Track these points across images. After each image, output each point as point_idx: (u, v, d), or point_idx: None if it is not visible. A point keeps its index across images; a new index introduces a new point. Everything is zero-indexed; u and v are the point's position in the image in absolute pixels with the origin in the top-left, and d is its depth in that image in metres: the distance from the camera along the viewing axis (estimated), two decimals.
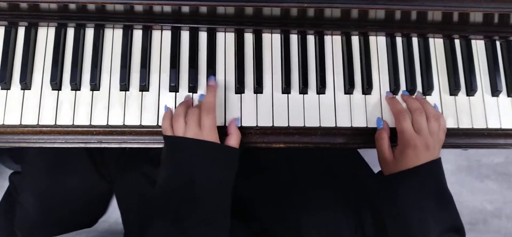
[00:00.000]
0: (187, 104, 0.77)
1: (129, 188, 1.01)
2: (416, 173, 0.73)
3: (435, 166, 0.74)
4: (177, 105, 0.79)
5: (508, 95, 0.85)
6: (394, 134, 0.79)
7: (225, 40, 0.83)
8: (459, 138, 0.83)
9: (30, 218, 1.04)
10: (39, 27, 0.80)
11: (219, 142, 0.75)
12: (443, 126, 0.78)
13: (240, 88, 0.80)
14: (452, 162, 1.54)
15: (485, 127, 0.83)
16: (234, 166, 0.74)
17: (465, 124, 0.83)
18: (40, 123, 0.77)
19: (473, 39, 0.86)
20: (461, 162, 1.55)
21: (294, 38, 0.84)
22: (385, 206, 0.76)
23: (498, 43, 0.87)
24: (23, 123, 0.76)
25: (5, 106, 0.77)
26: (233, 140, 0.75)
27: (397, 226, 0.73)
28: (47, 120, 0.77)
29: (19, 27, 0.80)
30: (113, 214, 1.32)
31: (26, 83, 0.77)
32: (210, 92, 0.77)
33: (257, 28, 0.82)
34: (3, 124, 0.76)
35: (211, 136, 0.73)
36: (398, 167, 0.75)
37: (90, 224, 1.26)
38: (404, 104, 0.81)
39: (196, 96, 0.80)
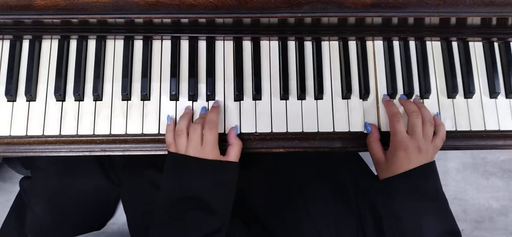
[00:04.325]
0: (188, 118, 0.79)
1: (134, 193, 1.03)
2: (409, 177, 0.74)
3: (428, 169, 0.75)
4: (178, 118, 0.80)
5: (507, 97, 0.85)
6: (388, 137, 0.80)
7: (224, 48, 0.84)
8: (458, 140, 0.84)
9: (40, 221, 1.07)
10: (42, 40, 0.82)
11: (219, 157, 0.77)
12: (442, 134, 0.79)
13: (239, 95, 0.82)
14: (457, 160, 1.54)
15: (483, 129, 0.84)
16: (234, 180, 0.77)
17: (463, 126, 0.83)
18: (45, 134, 0.79)
19: (471, 41, 0.87)
20: (466, 160, 1.54)
21: (291, 45, 0.85)
22: (381, 209, 0.77)
23: (496, 44, 0.87)
24: (29, 134, 0.79)
25: (12, 117, 0.79)
26: (234, 152, 0.77)
27: (393, 229, 0.75)
28: (52, 130, 0.79)
29: (23, 41, 0.82)
30: (122, 216, 1.35)
31: (31, 95, 0.79)
32: (214, 111, 0.79)
33: (255, 36, 0.84)
34: (10, 134, 0.79)
35: (212, 153, 0.75)
36: (391, 169, 0.76)
37: (99, 226, 1.29)
38: (401, 108, 0.82)
39: (196, 106, 0.82)
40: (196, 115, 0.81)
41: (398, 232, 0.73)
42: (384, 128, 0.83)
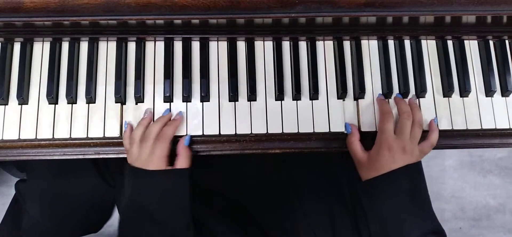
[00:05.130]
0: (144, 125, 0.79)
1: None
2: (393, 177, 0.73)
3: (412, 169, 0.74)
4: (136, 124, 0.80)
5: (503, 95, 0.85)
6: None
7: (218, 49, 0.83)
8: (454, 139, 0.83)
9: (36, 225, 1.06)
10: (34, 43, 0.81)
11: (165, 168, 0.76)
12: (432, 140, 0.79)
13: (233, 96, 0.81)
14: (455, 158, 1.54)
15: (479, 127, 0.83)
16: (184, 186, 0.76)
17: (459, 125, 0.83)
18: (38, 137, 0.78)
19: (466, 39, 0.86)
20: (463, 157, 1.54)
21: (286, 45, 0.84)
22: (366, 210, 0.76)
23: (491, 42, 0.86)
24: (21, 138, 0.78)
25: (4, 121, 0.79)
26: (181, 161, 0.77)
27: (377, 229, 0.74)
28: (45, 133, 0.79)
29: (14, 43, 0.81)
30: (118, 218, 1.34)
31: (23, 98, 0.79)
32: (172, 124, 0.79)
33: (249, 36, 0.83)
34: (2, 138, 0.78)
35: (158, 165, 0.75)
36: (374, 167, 0.75)
37: (96, 229, 1.28)
38: (394, 109, 0.81)
39: (190, 107, 0.81)
40: (195, 118, 0.81)
41: (382, 233, 0.73)
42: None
